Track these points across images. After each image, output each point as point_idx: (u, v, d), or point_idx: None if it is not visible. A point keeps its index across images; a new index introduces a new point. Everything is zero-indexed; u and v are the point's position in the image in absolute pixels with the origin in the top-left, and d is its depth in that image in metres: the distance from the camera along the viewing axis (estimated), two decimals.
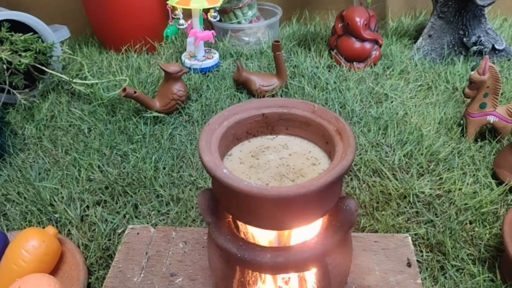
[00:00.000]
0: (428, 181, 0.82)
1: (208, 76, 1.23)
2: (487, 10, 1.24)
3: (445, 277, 0.66)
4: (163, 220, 0.78)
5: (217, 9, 1.28)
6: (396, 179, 0.82)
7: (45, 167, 0.91)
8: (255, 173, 0.49)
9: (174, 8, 1.23)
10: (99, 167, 0.89)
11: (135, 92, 1.00)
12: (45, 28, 1.13)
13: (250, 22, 1.44)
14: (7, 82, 1.05)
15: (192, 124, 1.03)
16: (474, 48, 1.26)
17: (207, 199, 0.50)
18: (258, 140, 0.54)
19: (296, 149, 0.52)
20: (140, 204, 0.81)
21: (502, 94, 1.07)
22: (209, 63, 1.25)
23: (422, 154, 0.89)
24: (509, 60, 1.26)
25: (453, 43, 1.28)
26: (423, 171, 0.85)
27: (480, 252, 0.69)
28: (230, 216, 0.52)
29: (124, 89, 0.98)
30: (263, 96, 1.11)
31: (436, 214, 0.76)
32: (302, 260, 0.48)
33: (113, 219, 0.77)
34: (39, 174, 0.89)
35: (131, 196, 0.82)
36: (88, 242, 0.73)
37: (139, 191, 0.83)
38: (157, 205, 0.80)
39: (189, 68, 1.24)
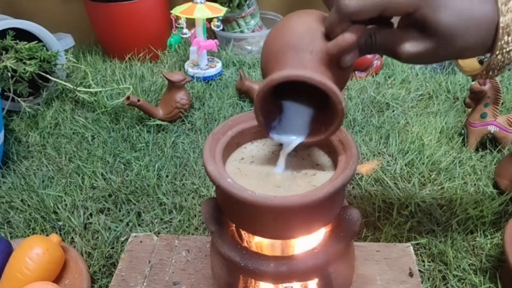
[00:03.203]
0: (429, 190, 0.83)
1: (211, 85, 1.24)
2: None
3: (447, 287, 0.66)
4: (166, 228, 0.78)
5: (220, 18, 1.29)
6: (398, 189, 0.83)
7: (49, 174, 0.92)
8: (270, 175, 0.49)
9: (177, 18, 1.24)
10: (102, 175, 0.90)
11: (138, 100, 1.00)
12: (49, 37, 1.14)
13: (253, 31, 1.45)
14: (12, 90, 1.06)
15: (195, 132, 1.04)
16: None
17: (210, 208, 0.51)
18: (267, 145, 0.55)
19: (304, 155, 0.53)
20: (143, 212, 0.81)
21: (502, 104, 1.08)
22: (212, 71, 1.27)
23: (423, 164, 0.89)
24: (509, 70, 1.27)
25: None
26: (424, 180, 0.86)
27: (481, 262, 0.69)
28: (234, 225, 0.52)
29: (128, 97, 0.99)
30: None
31: (437, 224, 0.76)
32: (305, 269, 0.48)
33: (116, 227, 0.77)
34: (43, 181, 0.89)
35: (134, 204, 0.82)
36: (92, 250, 0.74)
37: (142, 199, 0.84)
38: (160, 213, 0.80)
39: (192, 77, 1.25)
